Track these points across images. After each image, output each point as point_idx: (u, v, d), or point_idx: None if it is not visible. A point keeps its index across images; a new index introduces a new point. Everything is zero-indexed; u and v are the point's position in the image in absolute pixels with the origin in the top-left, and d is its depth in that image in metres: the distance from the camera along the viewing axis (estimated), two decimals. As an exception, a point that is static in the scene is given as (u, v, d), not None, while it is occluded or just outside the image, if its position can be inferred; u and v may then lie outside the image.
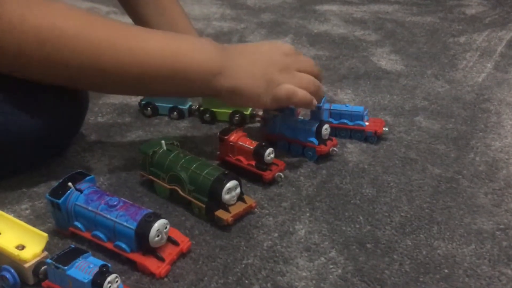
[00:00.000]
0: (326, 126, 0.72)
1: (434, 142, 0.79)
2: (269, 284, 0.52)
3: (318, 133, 0.72)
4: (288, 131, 0.75)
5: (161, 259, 0.53)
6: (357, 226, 0.60)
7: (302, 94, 0.66)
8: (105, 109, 0.88)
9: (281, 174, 0.68)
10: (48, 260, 0.48)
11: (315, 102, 0.68)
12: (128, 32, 0.62)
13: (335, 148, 0.73)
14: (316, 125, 0.72)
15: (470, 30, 1.30)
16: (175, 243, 0.55)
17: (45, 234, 0.51)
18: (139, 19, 0.98)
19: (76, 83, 0.63)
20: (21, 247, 0.51)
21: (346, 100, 0.92)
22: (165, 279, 0.53)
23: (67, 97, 0.67)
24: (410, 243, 0.58)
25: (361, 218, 0.62)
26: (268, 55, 0.68)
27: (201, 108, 0.84)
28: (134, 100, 0.90)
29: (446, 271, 0.54)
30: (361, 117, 0.78)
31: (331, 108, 0.79)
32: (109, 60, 0.59)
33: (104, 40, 0.59)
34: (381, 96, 0.94)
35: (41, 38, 0.56)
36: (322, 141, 0.72)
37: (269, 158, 0.67)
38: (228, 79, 0.64)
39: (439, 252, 0.56)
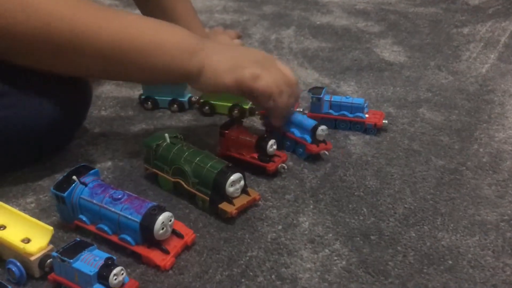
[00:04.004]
0: (323, 127, 0.71)
1: (437, 133, 0.78)
2: (273, 276, 0.52)
3: (313, 132, 0.71)
4: (285, 124, 0.74)
5: (166, 252, 0.53)
6: (361, 218, 0.61)
7: (266, 81, 0.64)
8: (108, 103, 0.88)
9: (284, 165, 0.68)
10: (54, 253, 0.48)
11: (286, 102, 0.68)
12: (107, 14, 0.62)
13: (326, 152, 0.71)
14: (314, 124, 0.71)
15: (474, 21, 1.29)
16: (179, 235, 0.55)
17: (51, 228, 0.51)
18: (148, 15, 0.98)
19: (56, 62, 0.61)
20: (27, 241, 0.51)
21: (349, 92, 0.92)
22: (170, 272, 0.53)
23: (70, 90, 0.67)
24: (414, 235, 0.58)
25: (365, 210, 0.62)
26: (247, 52, 0.70)
27: (201, 101, 0.84)
28: (137, 93, 0.89)
29: (450, 262, 0.54)
30: (361, 109, 0.78)
31: (332, 99, 0.79)
32: (86, 39, 0.58)
33: (84, 20, 0.59)
34: (384, 88, 0.94)
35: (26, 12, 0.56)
36: (315, 141, 0.71)
37: (271, 149, 0.67)
38: (201, 59, 0.64)
39: (443, 244, 0.56)
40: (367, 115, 0.78)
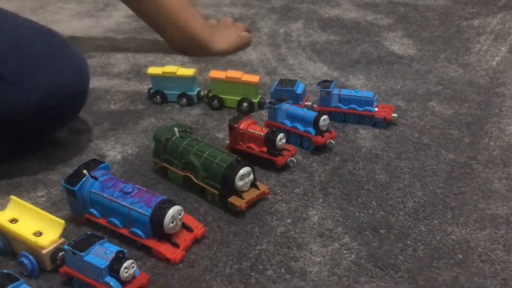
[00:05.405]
0: (324, 117, 0.71)
1: (447, 127, 0.78)
2: (283, 270, 0.52)
3: (315, 124, 0.71)
4: (287, 120, 0.74)
5: (176, 245, 0.54)
6: (370, 212, 0.60)
7: None
8: (117, 97, 0.89)
9: (293, 159, 0.68)
10: (66, 247, 0.48)
11: None
12: None
13: (332, 141, 0.71)
14: (314, 116, 0.71)
15: (484, 13, 1.27)
16: (189, 229, 0.56)
17: (62, 221, 0.52)
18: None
19: None
20: (38, 234, 0.52)
21: (358, 85, 0.91)
22: (180, 265, 0.53)
23: (67, 65, 0.67)
24: (423, 229, 0.58)
25: (374, 204, 0.62)
26: None
27: (210, 95, 0.84)
28: (146, 87, 0.90)
29: (460, 256, 0.54)
30: (370, 103, 0.77)
31: (341, 93, 0.79)
32: None
33: None
34: (393, 81, 0.93)
35: None
36: (319, 132, 0.71)
37: (280, 143, 0.67)
38: None
39: (453, 238, 0.56)
40: (376, 109, 0.78)
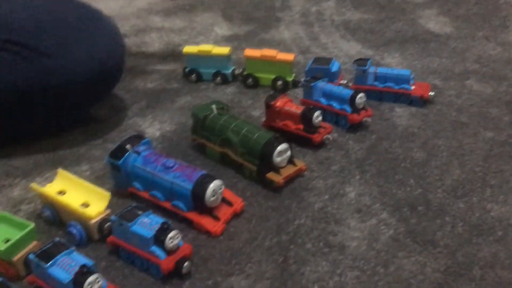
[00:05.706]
0: (361, 95, 0.70)
1: (486, 105, 0.77)
2: (321, 244, 0.53)
3: (352, 101, 0.71)
4: (323, 98, 0.74)
5: (217, 218, 0.55)
6: (408, 189, 0.61)
7: None
8: (153, 75, 0.90)
9: (329, 136, 0.68)
10: (113, 217, 0.50)
11: None
12: None
13: (368, 119, 0.71)
14: (351, 93, 0.71)
15: (524, -10, 1.23)
16: (229, 203, 0.57)
17: (108, 193, 0.54)
18: None
19: None
20: (85, 205, 0.54)
21: (393, 64, 0.90)
22: (221, 237, 0.55)
23: (102, 37, 0.69)
24: (462, 206, 0.57)
25: (412, 181, 0.62)
26: None
27: (244, 73, 0.85)
28: (180, 66, 0.91)
29: (500, 233, 0.54)
30: (407, 81, 0.77)
31: (377, 71, 0.78)
32: None
33: None
34: (430, 59, 0.92)
35: None
36: (355, 110, 0.71)
37: (317, 121, 0.67)
38: None
39: (493, 215, 0.56)
40: (413, 87, 0.77)
